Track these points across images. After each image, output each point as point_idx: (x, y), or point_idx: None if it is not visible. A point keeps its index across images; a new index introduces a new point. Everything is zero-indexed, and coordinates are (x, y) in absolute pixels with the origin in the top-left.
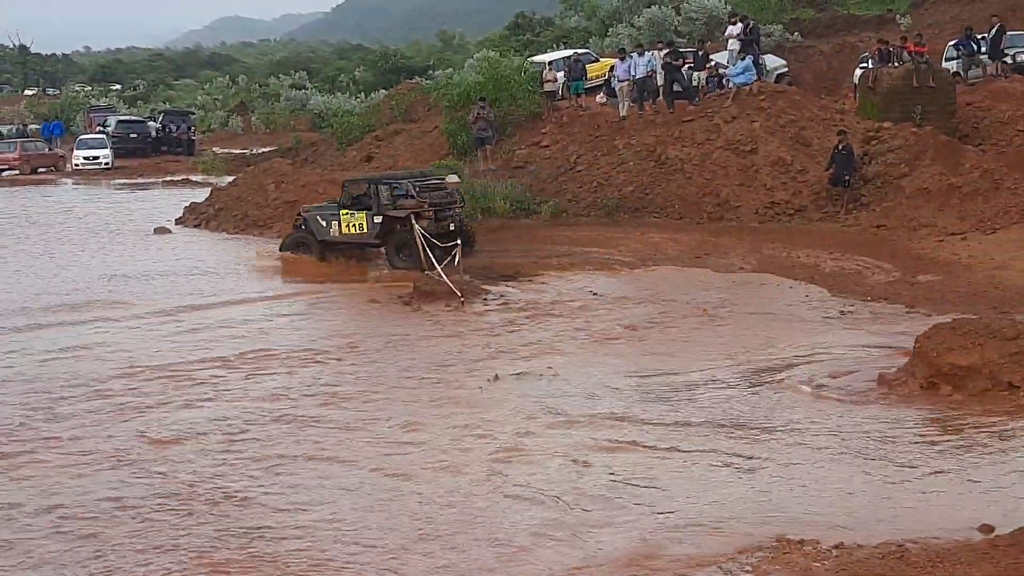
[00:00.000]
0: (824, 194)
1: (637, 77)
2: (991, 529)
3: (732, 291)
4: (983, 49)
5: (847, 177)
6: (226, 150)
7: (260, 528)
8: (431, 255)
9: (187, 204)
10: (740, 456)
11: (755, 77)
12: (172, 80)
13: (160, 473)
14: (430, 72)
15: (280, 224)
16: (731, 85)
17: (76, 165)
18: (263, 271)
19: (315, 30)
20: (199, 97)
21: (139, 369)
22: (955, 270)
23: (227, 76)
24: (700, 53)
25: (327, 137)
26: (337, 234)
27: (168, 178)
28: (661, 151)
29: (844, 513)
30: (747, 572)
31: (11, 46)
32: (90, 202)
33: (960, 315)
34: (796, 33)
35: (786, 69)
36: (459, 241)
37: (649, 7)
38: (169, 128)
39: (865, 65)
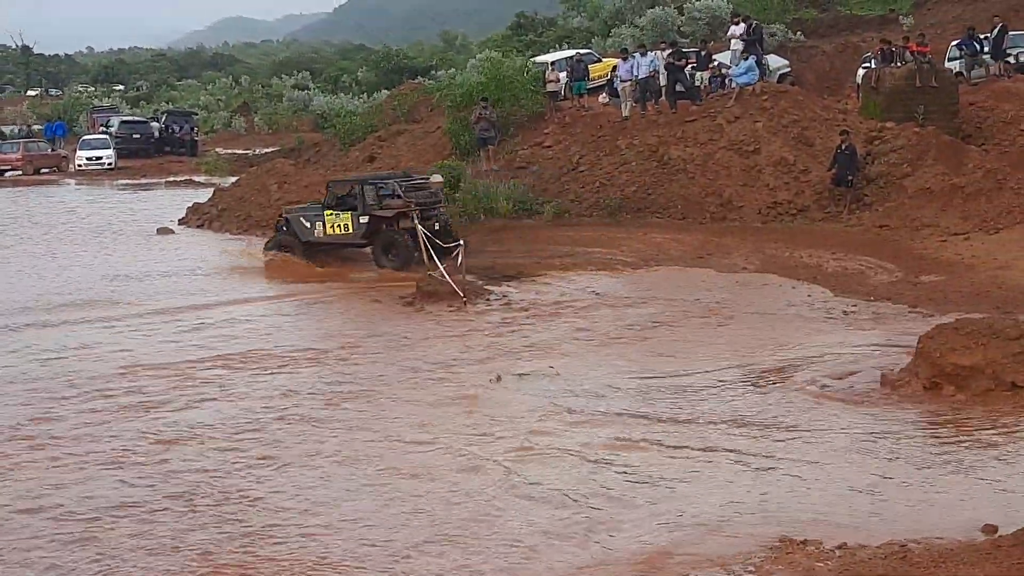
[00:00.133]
0: (827, 194)
1: (640, 77)
2: (994, 529)
3: (735, 291)
4: (986, 49)
5: (850, 177)
6: (229, 151)
7: (264, 528)
8: (433, 255)
9: (190, 205)
10: (743, 456)
11: (758, 77)
12: (175, 81)
13: (162, 473)
14: (433, 72)
15: None
16: (734, 85)
17: (79, 165)
18: (262, 271)
19: (317, 30)
20: (202, 98)
21: (141, 369)
22: (958, 270)
23: (230, 77)
24: (703, 53)
25: (330, 137)
26: (322, 235)
27: (171, 179)
28: (664, 151)
29: (847, 513)
30: (750, 572)
31: (14, 47)
32: (93, 202)
33: (963, 315)
34: (799, 33)
35: (789, 69)
36: (462, 241)
37: (652, 7)
38: (172, 129)
39: (868, 65)
